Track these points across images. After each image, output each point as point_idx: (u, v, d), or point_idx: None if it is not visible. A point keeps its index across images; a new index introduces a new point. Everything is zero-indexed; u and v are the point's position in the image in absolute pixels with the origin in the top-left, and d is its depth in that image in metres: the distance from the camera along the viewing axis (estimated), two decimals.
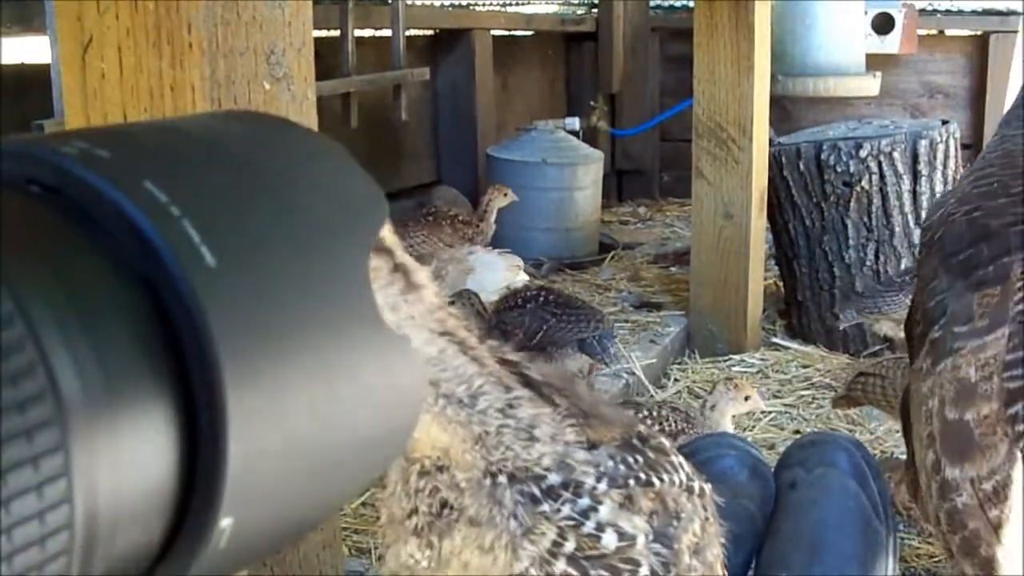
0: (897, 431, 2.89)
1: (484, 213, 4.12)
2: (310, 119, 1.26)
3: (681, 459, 0.93)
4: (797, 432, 2.88)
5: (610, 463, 0.83)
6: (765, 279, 3.77)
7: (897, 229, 3.43)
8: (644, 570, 0.83)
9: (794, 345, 3.60)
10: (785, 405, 3.10)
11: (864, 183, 3.41)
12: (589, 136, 5.53)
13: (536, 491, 0.79)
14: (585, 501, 0.80)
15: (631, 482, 0.84)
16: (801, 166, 3.49)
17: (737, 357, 3.48)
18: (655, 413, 2.44)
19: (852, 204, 3.43)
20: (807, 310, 3.63)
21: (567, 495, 0.80)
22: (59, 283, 0.31)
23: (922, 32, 5.68)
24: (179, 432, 0.33)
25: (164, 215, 0.33)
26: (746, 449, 1.75)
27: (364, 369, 0.38)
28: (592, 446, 0.83)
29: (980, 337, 1.34)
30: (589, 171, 4.76)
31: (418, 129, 4.86)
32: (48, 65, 2.36)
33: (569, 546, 0.79)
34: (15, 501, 0.29)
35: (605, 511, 0.81)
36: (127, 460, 0.32)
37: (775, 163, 3.55)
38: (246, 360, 0.34)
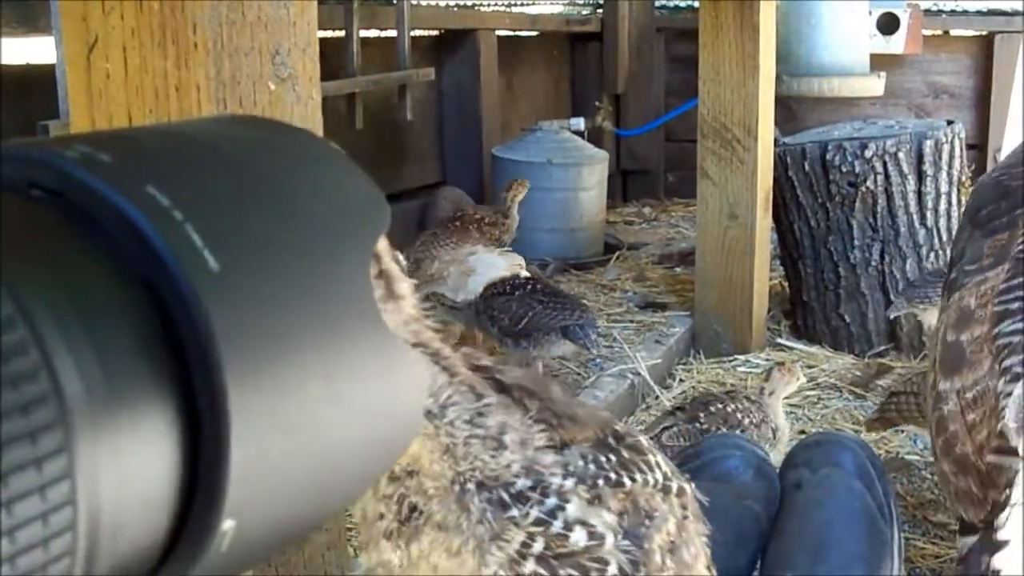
0: (902, 431, 2.89)
1: (507, 208, 4.14)
2: (315, 119, 1.26)
3: (660, 458, 0.92)
4: (802, 432, 2.88)
5: (580, 462, 0.83)
6: (770, 279, 3.76)
7: (902, 229, 3.42)
8: (612, 569, 0.83)
9: (799, 345, 3.60)
10: (791, 405, 3.09)
11: (869, 183, 3.40)
12: (594, 136, 5.53)
13: (505, 496, 0.79)
14: (552, 500, 0.80)
15: (600, 482, 0.84)
16: (806, 166, 3.49)
17: (742, 357, 3.48)
18: (740, 404, 2.49)
19: (857, 204, 3.43)
20: (812, 310, 3.63)
21: (535, 497, 0.80)
22: (61, 286, 0.32)
23: (927, 32, 5.67)
24: (182, 434, 0.33)
25: (166, 219, 0.34)
26: (751, 449, 1.75)
27: (365, 372, 0.38)
28: (564, 446, 0.83)
29: (983, 273, 1.52)
30: (594, 171, 4.76)
31: (423, 129, 4.86)
32: (53, 65, 2.36)
33: (538, 547, 0.80)
34: (18, 503, 0.29)
35: (573, 508, 0.81)
36: (130, 462, 0.32)
37: (780, 163, 3.55)
38: (248, 363, 0.34)
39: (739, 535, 1.62)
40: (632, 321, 3.68)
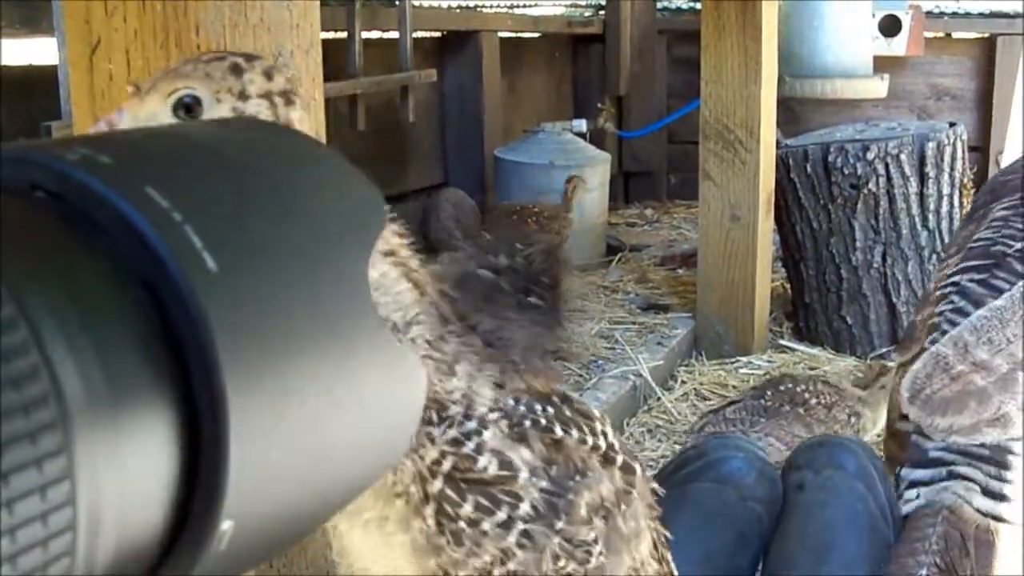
0: None
1: (568, 203, 4.28)
2: (317, 121, 1.26)
3: (608, 429, 0.93)
4: None
5: (511, 402, 0.84)
6: (772, 281, 3.76)
7: (904, 231, 3.42)
8: (525, 506, 0.82)
9: (801, 347, 3.60)
10: None
11: (871, 185, 3.40)
12: (596, 138, 5.52)
13: (434, 416, 0.80)
14: (472, 424, 0.81)
15: (526, 423, 0.84)
16: (808, 168, 3.49)
17: (744, 359, 3.48)
18: (812, 386, 2.50)
19: (859, 206, 3.43)
20: (814, 312, 3.63)
21: (459, 419, 0.80)
22: (62, 287, 0.32)
23: (929, 34, 5.66)
24: (181, 435, 0.33)
25: (166, 221, 0.34)
26: (753, 451, 1.75)
27: (364, 373, 0.39)
28: (501, 386, 0.84)
29: (947, 261, 1.67)
30: (596, 173, 4.76)
31: (425, 131, 4.86)
32: (55, 66, 2.36)
33: (447, 465, 0.80)
34: (18, 503, 0.29)
35: (488, 436, 0.82)
36: (130, 463, 0.32)
37: (782, 165, 3.55)
38: (248, 364, 0.34)
39: (741, 536, 1.62)
40: (634, 323, 3.68)
